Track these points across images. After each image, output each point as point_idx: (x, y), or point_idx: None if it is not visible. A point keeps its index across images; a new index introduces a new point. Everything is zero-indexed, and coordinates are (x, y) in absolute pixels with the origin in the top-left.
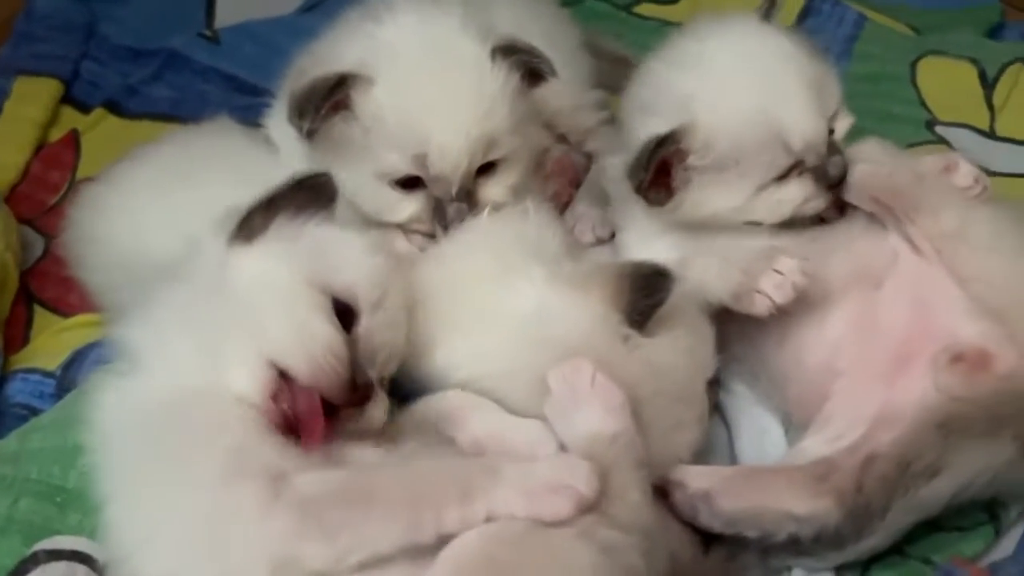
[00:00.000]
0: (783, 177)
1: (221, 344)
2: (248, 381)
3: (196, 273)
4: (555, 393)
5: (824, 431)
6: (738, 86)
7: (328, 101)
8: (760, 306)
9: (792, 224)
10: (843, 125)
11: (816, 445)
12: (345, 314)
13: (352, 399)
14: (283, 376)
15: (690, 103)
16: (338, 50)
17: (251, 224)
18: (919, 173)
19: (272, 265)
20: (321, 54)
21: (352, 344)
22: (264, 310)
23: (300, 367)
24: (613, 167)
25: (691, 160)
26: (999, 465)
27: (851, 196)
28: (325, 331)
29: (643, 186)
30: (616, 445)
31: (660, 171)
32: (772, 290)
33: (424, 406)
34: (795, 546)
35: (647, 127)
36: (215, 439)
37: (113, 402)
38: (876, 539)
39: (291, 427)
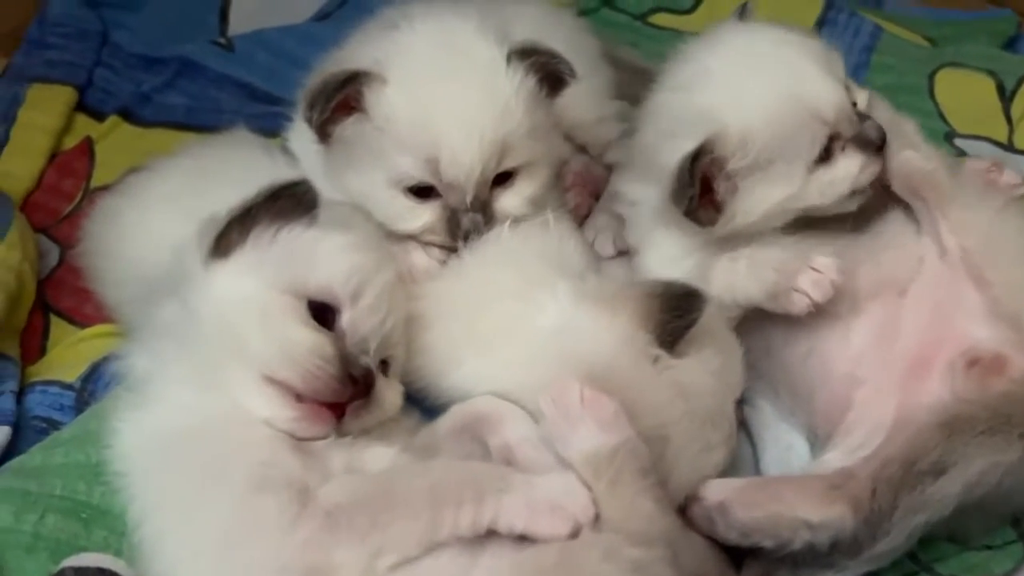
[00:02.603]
0: (829, 156)
1: (216, 370)
2: (265, 406)
3: (182, 290)
4: (547, 417)
5: (846, 442)
6: (756, 80)
7: (340, 93)
8: (799, 304)
9: (824, 229)
10: (861, 96)
11: (838, 457)
12: (326, 312)
13: (354, 393)
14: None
15: (713, 113)
16: (356, 53)
17: (228, 239)
18: (958, 171)
19: (244, 280)
20: (339, 59)
21: (339, 340)
22: (243, 328)
23: (291, 378)
24: (634, 192)
25: (731, 165)
26: (1008, 464)
27: (893, 181)
28: (304, 336)
29: (693, 204)
30: (617, 459)
31: (703, 188)
32: (810, 287)
33: (458, 409)
34: (813, 555)
35: (675, 151)
36: (239, 458)
37: (131, 436)
38: (889, 541)
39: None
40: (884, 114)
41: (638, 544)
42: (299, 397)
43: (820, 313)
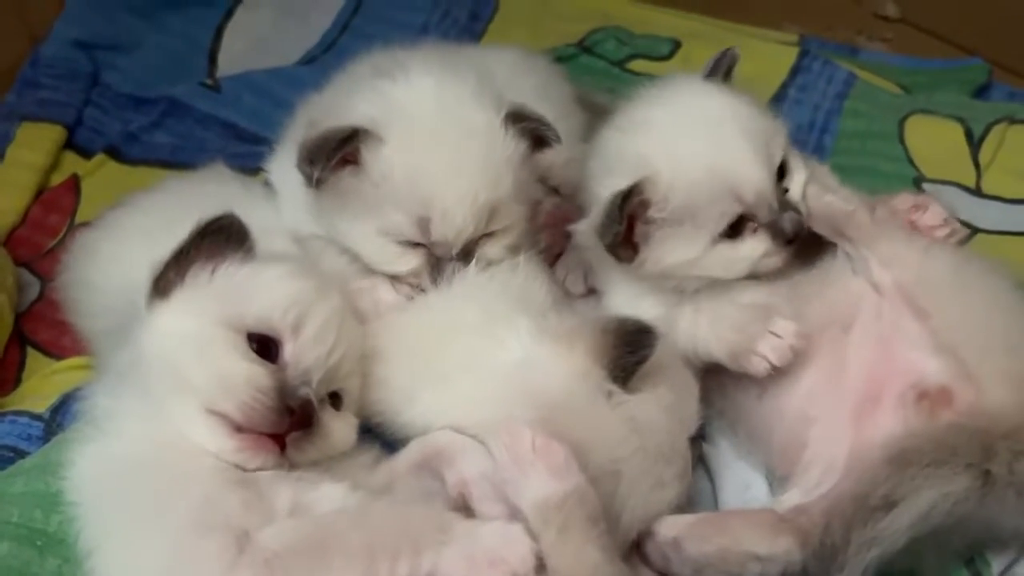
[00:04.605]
0: (737, 234)
1: (163, 404)
2: (208, 436)
3: (134, 334)
4: (499, 462)
5: (804, 480)
6: (687, 143)
7: (339, 152)
8: (758, 367)
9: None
10: (797, 181)
11: (797, 495)
12: (268, 345)
13: (291, 424)
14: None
15: (648, 159)
16: (351, 104)
17: (166, 280)
18: (883, 207)
19: (183, 317)
20: (333, 106)
21: (280, 371)
22: (183, 362)
23: (230, 410)
24: (582, 232)
25: (651, 212)
26: (957, 494)
27: (815, 224)
28: (240, 368)
29: (616, 240)
30: (566, 506)
31: (627, 227)
32: (770, 353)
33: (417, 443)
34: None
35: (609, 187)
36: (182, 493)
37: (85, 467)
38: None
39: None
40: (828, 180)
41: None
42: (239, 428)
43: None
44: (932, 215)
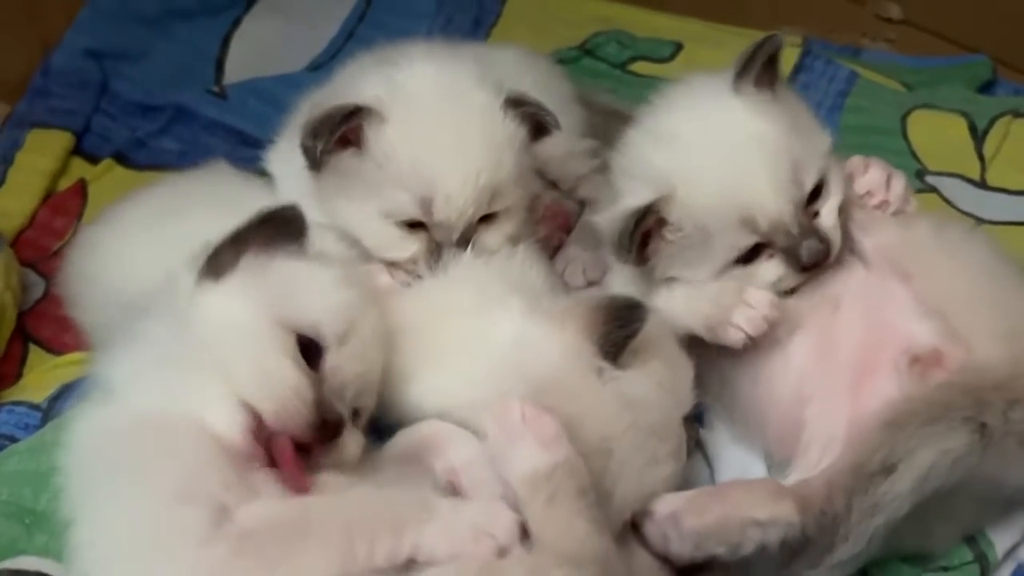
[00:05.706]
0: (752, 259)
1: (191, 381)
2: (227, 423)
3: (170, 307)
4: (489, 436)
5: (804, 462)
6: (705, 166)
7: (343, 126)
8: (734, 338)
9: None
10: (831, 205)
11: (799, 475)
12: (312, 349)
13: (322, 436)
14: (257, 415)
15: (668, 177)
16: (355, 87)
17: (220, 261)
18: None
19: (238, 305)
20: (337, 90)
21: (319, 381)
22: (231, 351)
23: (267, 410)
24: (597, 224)
25: (665, 231)
26: (956, 451)
27: None
28: (290, 374)
29: (631, 256)
30: (555, 477)
31: (641, 239)
32: (744, 323)
33: (404, 435)
34: (775, 565)
35: (631, 192)
36: (165, 465)
37: (84, 427)
38: (849, 548)
39: (273, 462)
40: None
41: (566, 565)
42: (260, 427)
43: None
44: (861, 183)
